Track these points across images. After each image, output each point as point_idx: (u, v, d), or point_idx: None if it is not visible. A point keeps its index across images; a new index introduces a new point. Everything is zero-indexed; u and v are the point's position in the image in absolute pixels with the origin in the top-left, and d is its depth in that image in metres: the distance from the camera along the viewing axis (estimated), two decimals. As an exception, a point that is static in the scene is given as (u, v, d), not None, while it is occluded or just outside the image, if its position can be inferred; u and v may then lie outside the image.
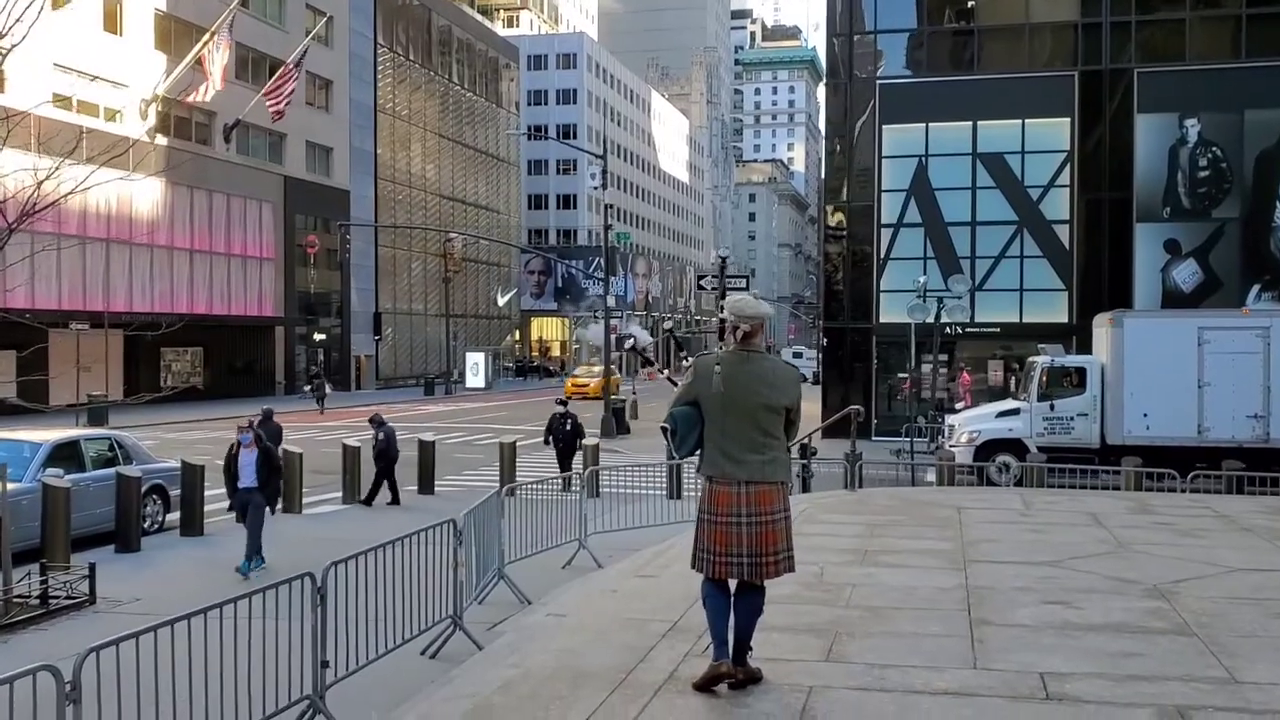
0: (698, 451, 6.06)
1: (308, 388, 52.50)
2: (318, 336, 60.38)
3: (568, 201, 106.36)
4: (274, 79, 30.64)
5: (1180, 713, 5.53)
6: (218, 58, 22.52)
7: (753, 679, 5.95)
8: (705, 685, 5.87)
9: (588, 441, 22.11)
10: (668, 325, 71.63)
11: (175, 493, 16.90)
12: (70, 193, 11.01)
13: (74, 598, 11.55)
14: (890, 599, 8.17)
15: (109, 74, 42.12)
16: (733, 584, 5.96)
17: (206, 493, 17.02)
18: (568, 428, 22.69)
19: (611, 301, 39.77)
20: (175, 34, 46.67)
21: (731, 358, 5.96)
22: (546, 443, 23.14)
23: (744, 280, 44.61)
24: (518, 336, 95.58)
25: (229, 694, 6.63)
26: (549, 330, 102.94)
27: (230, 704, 6.64)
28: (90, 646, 5.64)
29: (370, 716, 7.56)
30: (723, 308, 6.26)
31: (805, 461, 18.86)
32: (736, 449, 5.88)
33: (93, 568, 11.72)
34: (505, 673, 6.66)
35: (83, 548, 14.51)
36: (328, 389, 51.07)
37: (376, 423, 20.37)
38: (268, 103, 30.74)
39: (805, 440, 19.75)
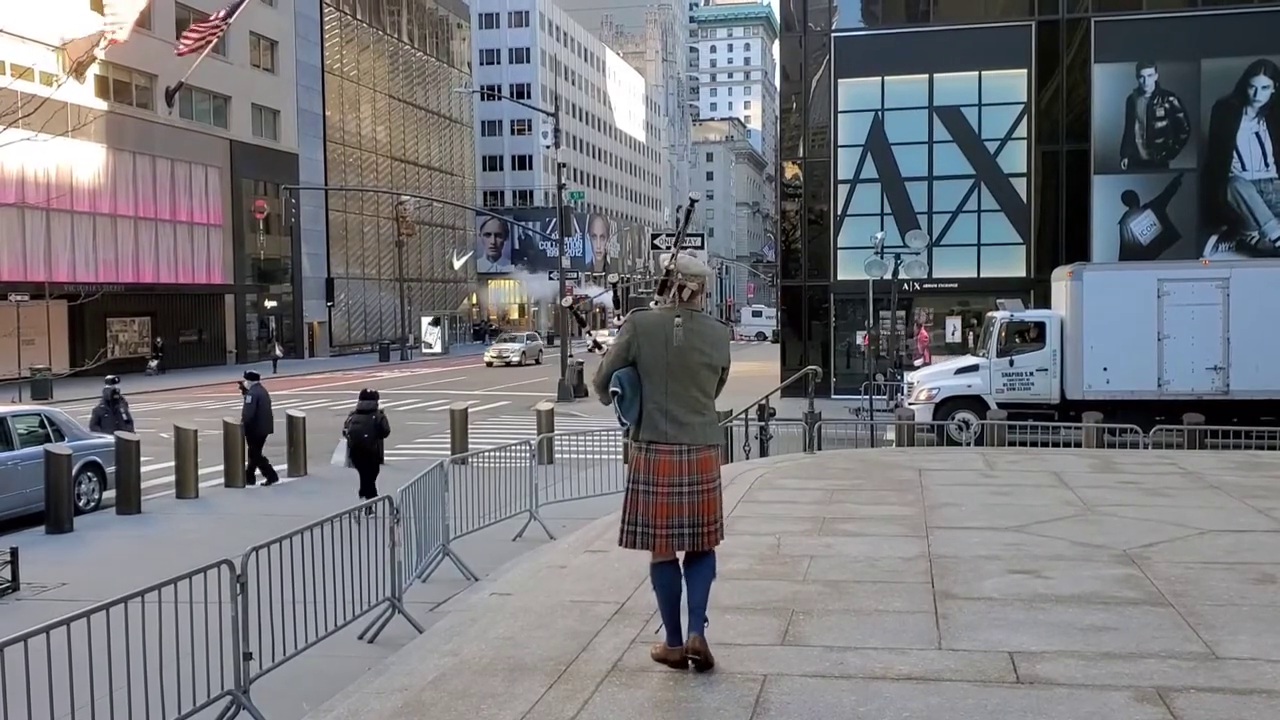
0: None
1: (279, 352, 53.30)
2: (269, 304, 59.39)
3: (523, 163, 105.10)
4: (203, 25, 29.71)
5: (1160, 694, 5.14)
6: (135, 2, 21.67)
7: (708, 663, 5.54)
8: (662, 659, 5.62)
9: (541, 406, 21.52)
10: (612, 279, 70.45)
11: (112, 469, 16.28)
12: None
13: (-5, 583, 11.01)
14: (850, 571, 7.77)
15: (43, 36, 40.76)
16: (679, 554, 5.57)
17: (144, 469, 16.47)
18: (374, 420, 15.17)
19: (567, 262, 39.10)
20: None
21: (684, 314, 5.56)
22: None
23: (699, 239, 44.11)
24: (475, 300, 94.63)
25: (152, 688, 6.21)
26: (507, 293, 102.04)
27: (150, 699, 6.21)
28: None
29: (301, 708, 7.10)
30: (671, 258, 5.70)
31: (763, 423, 18.46)
32: (680, 411, 5.54)
33: (14, 552, 11.15)
34: (441, 662, 6.22)
35: (14, 529, 14.14)
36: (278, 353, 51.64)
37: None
38: (181, 45, 29.64)
39: (763, 401, 19.34)
